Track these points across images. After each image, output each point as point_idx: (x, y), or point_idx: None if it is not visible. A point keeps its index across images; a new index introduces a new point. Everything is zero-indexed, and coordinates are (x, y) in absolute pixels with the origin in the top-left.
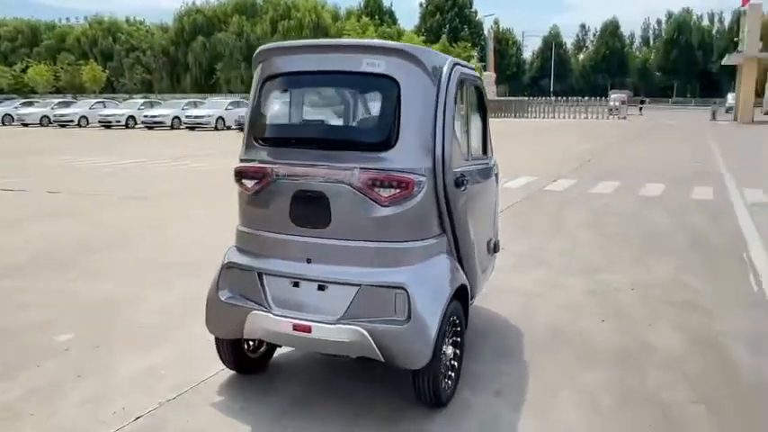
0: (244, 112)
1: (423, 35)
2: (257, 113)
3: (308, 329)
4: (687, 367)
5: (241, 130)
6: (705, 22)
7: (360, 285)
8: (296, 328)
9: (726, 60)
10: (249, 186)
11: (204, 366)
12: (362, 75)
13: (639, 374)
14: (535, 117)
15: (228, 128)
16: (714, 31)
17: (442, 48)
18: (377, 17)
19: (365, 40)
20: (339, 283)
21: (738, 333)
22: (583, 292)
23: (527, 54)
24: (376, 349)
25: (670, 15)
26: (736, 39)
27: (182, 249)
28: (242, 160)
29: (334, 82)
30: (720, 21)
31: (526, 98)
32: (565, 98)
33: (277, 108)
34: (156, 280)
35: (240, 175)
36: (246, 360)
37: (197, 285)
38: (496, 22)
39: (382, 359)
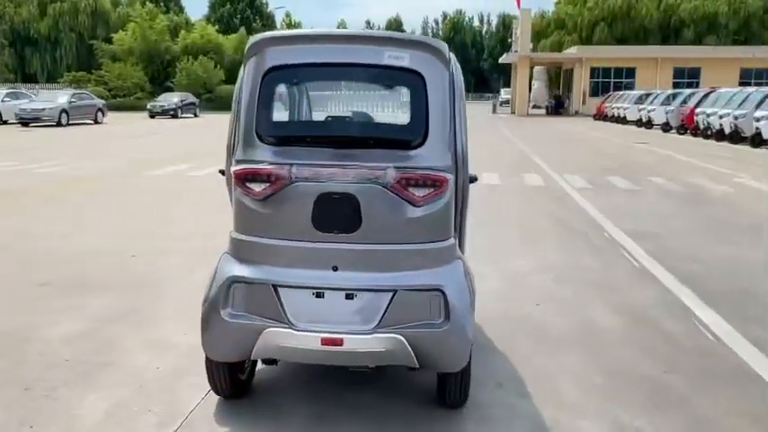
0: (24, 103)
1: (215, 25)
2: (259, 109)
3: (340, 342)
4: (639, 342)
5: (23, 124)
6: (476, 23)
7: (395, 291)
8: (325, 342)
9: (503, 59)
10: (258, 190)
11: (181, 396)
12: (385, 68)
13: (606, 353)
14: None
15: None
16: (484, 32)
17: (240, 40)
18: (161, 4)
19: (386, 31)
20: (371, 291)
21: (654, 305)
22: (500, 278)
23: None
24: (413, 355)
25: (445, 16)
26: (510, 39)
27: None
28: (241, 161)
29: (353, 75)
30: (488, 22)
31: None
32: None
33: (285, 103)
34: None
35: (245, 177)
36: (239, 383)
37: None
38: (288, 15)
39: (417, 365)
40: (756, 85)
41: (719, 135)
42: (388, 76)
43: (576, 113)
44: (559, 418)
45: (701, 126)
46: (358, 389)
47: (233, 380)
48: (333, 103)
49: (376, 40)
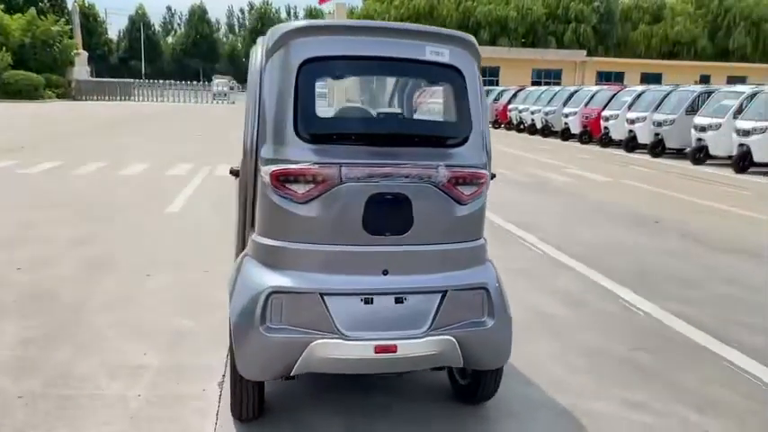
0: None
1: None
2: (296, 104)
3: (394, 349)
4: (592, 324)
5: None
6: (284, 15)
7: (445, 291)
8: (379, 349)
9: None
10: (301, 192)
11: (190, 424)
12: (427, 64)
13: (571, 337)
14: (142, 100)
15: None
16: None
17: (30, 21)
18: None
19: (424, 25)
20: (421, 293)
21: (581, 289)
22: None
23: (113, 33)
24: (460, 356)
25: (252, 6)
26: None
27: None
28: (274, 161)
29: (394, 70)
30: (296, 15)
31: (132, 80)
32: (171, 82)
33: (312, 97)
34: None
35: (285, 178)
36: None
37: None
38: None
39: (462, 364)
40: (546, 83)
41: (532, 129)
42: (429, 72)
43: None
44: (575, 402)
45: (515, 121)
46: (377, 392)
47: (261, 401)
48: (373, 98)
49: (417, 34)
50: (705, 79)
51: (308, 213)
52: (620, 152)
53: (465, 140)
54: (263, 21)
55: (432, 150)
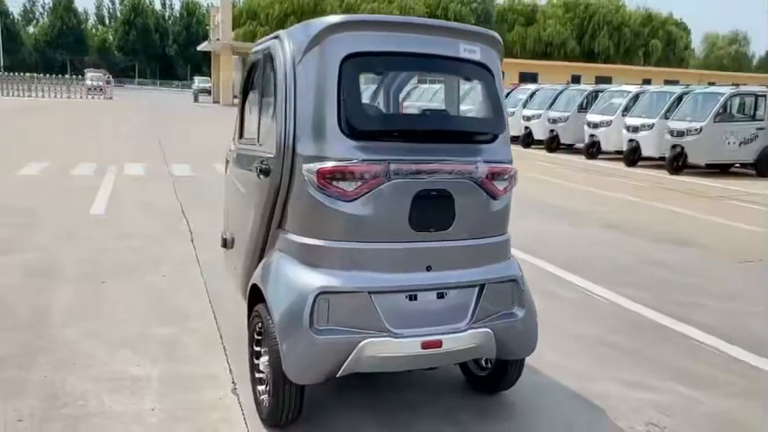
0: None
1: None
2: (339, 100)
3: (439, 344)
4: (561, 311)
5: None
6: (158, 7)
7: (483, 285)
8: (425, 345)
9: (203, 47)
10: (350, 190)
11: None
12: (461, 61)
13: (549, 323)
14: (9, 95)
15: None
16: (167, 16)
17: None
18: None
19: (458, 23)
20: (461, 287)
21: (537, 278)
22: None
23: None
24: (495, 347)
25: None
26: (208, 27)
27: None
28: (319, 158)
29: (432, 66)
30: (171, 7)
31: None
32: (37, 75)
33: (358, 93)
34: None
35: (332, 176)
36: None
37: None
38: None
39: (495, 355)
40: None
41: None
42: (463, 69)
43: None
44: (581, 386)
45: None
46: (397, 390)
47: (302, 405)
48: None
49: (451, 31)
50: (576, 79)
51: (355, 211)
52: (518, 148)
53: (496, 137)
54: (135, 12)
55: (469, 146)
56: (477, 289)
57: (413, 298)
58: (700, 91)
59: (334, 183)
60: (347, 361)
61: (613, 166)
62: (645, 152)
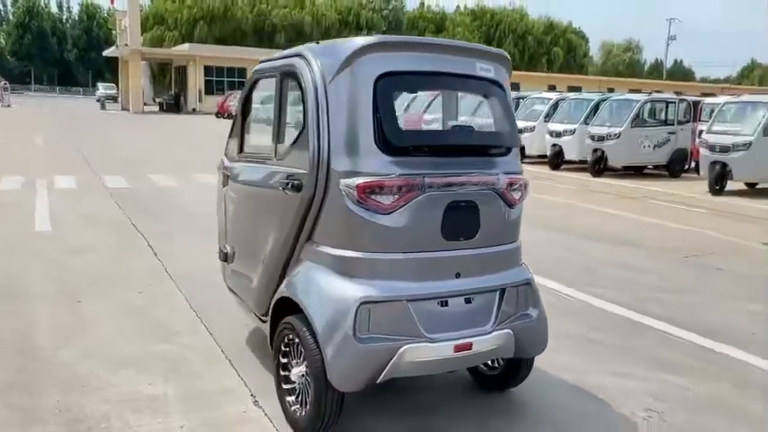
0: None
1: None
2: (374, 117)
3: (470, 347)
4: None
5: None
6: (54, 10)
7: (504, 289)
8: (457, 348)
9: (109, 52)
10: (387, 203)
11: None
12: (478, 79)
13: None
14: None
15: None
16: (65, 19)
17: None
18: None
19: (474, 44)
20: (485, 292)
21: None
22: None
23: None
24: (513, 346)
25: None
26: (114, 32)
27: None
28: (356, 174)
29: (454, 85)
30: (69, 10)
31: None
32: None
33: (393, 110)
34: None
35: (371, 190)
36: None
37: None
38: None
39: (512, 354)
40: None
41: None
42: (480, 87)
43: (194, 111)
44: (579, 378)
45: None
46: (414, 392)
47: (341, 412)
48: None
49: (469, 51)
50: None
51: (392, 223)
52: (542, 169)
53: (509, 150)
54: (30, 14)
55: (488, 159)
56: (498, 293)
57: (444, 304)
58: (616, 98)
59: (373, 196)
60: (387, 367)
61: (540, 170)
62: (567, 156)
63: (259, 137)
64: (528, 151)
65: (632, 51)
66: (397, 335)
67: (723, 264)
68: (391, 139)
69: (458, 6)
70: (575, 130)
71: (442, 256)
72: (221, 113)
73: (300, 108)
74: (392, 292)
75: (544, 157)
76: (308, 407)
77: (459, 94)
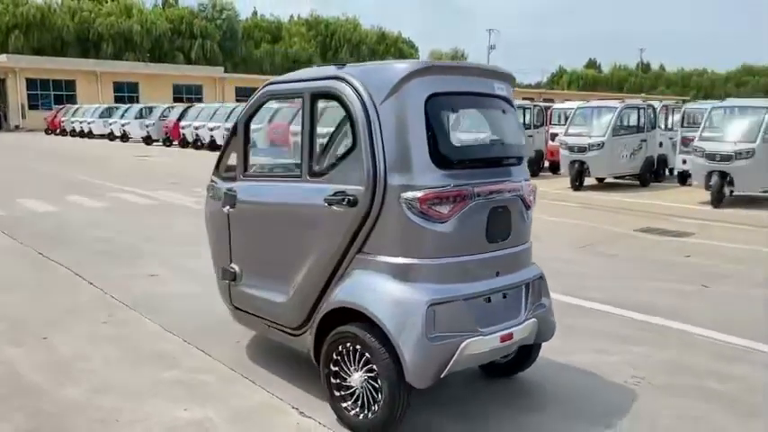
0: None
1: None
2: (428, 135)
3: (511, 336)
4: None
5: None
6: None
7: (528, 283)
8: (503, 339)
9: None
10: (446, 212)
11: None
12: (497, 97)
13: None
14: None
15: None
16: None
17: None
18: None
19: (487, 65)
20: (516, 287)
21: None
22: None
23: None
24: (534, 333)
25: None
26: None
27: None
28: (415, 187)
29: (480, 103)
30: None
31: None
32: None
33: (445, 127)
34: None
35: (432, 201)
36: None
37: None
38: None
39: (533, 341)
40: (188, 100)
41: (213, 146)
42: (499, 104)
43: (17, 128)
44: (568, 358)
45: (191, 138)
46: (452, 387)
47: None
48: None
49: (489, 72)
50: None
51: (448, 230)
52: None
53: (521, 159)
54: None
55: (509, 168)
56: (524, 287)
57: (488, 300)
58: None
59: (433, 207)
60: (452, 361)
61: None
62: None
63: (275, 155)
64: None
65: (458, 60)
66: (458, 331)
67: (614, 250)
68: (445, 154)
69: (291, 16)
70: None
71: (486, 257)
72: (52, 130)
73: (343, 128)
74: (451, 293)
75: None
76: (375, 408)
77: (484, 110)
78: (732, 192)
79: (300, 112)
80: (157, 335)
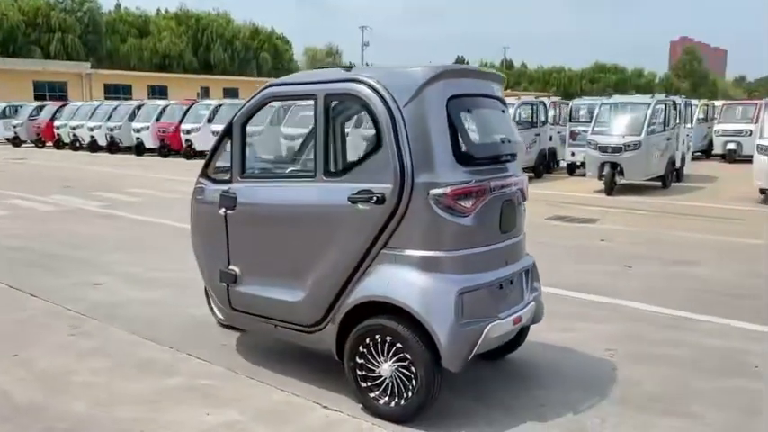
0: None
1: None
2: (451, 134)
3: (520, 319)
4: None
5: None
6: None
7: (528, 270)
8: (515, 322)
9: None
10: (470, 206)
11: None
12: (495, 98)
13: None
14: None
15: None
16: None
17: None
18: None
19: (484, 68)
20: (519, 274)
21: None
22: None
23: None
24: (533, 315)
25: None
26: None
27: None
28: (441, 184)
29: (483, 104)
30: None
31: None
32: None
33: (465, 127)
34: None
35: (458, 196)
36: None
37: None
38: None
39: (531, 323)
40: (51, 98)
41: (93, 147)
42: (497, 104)
43: None
44: (543, 336)
45: (67, 139)
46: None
47: None
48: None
49: (488, 75)
50: (206, 91)
51: (470, 223)
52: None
53: (515, 155)
54: None
55: (511, 164)
56: (524, 274)
57: (501, 287)
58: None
59: (459, 201)
60: (478, 344)
61: None
62: None
63: (280, 155)
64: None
65: (333, 57)
66: (482, 317)
67: (538, 238)
68: (468, 152)
69: (158, 9)
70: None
71: (498, 247)
72: None
73: (366, 129)
74: (476, 281)
75: None
76: (407, 395)
77: (488, 110)
78: (620, 181)
79: (313, 113)
80: (138, 343)
